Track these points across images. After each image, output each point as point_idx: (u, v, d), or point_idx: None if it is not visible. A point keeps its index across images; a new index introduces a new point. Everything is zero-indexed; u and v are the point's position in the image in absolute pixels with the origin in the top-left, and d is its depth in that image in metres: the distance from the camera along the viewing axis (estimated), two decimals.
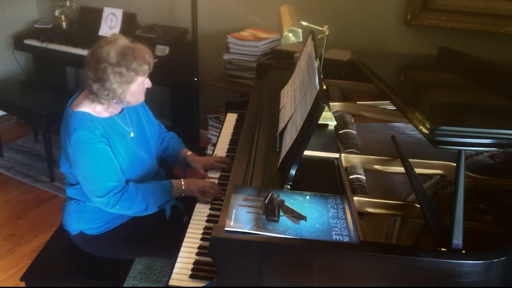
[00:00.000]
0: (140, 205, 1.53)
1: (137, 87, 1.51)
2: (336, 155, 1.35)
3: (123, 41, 1.48)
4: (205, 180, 1.61)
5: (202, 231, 1.36)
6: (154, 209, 1.58)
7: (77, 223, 1.63)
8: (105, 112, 1.55)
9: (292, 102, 1.47)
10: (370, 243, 0.99)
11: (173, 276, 1.19)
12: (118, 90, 1.46)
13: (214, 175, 1.67)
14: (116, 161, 1.53)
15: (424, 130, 1.03)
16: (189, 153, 1.81)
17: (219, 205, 1.47)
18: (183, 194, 1.61)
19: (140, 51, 1.47)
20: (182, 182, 1.61)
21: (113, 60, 1.42)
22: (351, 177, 1.28)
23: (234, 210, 1.04)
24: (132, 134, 1.63)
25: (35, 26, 3.56)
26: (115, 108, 1.58)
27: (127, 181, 1.55)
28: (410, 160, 1.27)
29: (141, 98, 1.57)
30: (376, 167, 1.36)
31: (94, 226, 1.62)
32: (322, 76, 1.27)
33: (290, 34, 1.47)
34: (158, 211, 1.70)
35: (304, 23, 1.51)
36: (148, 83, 1.55)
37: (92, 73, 1.45)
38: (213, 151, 1.84)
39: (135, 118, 1.68)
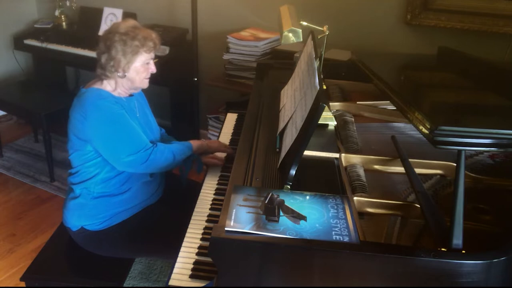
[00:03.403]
0: (168, 158, 1.62)
1: (140, 64, 1.59)
2: (336, 155, 1.35)
3: (136, 22, 1.62)
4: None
5: (202, 231, 1.36)
6: (179, 162, 1.67)
7: (78, 219, 1.63)
8: (114, 93, 1.62)
9: (292, 102, 1.47)
10: (370, 243, 0.99)
11: (173, 276, 1.19)
12: (123, 60, 1.55)
13: (214, 175, 1.67)
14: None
15: (424, 130, 1.03)
16: None
17: (219, 205, 1.48)
18: (205, 151, 1.74)
19: (147, 30, 1.61)
20: (204, 141, 1.76)
21: (122, 30, 1.55)
22: (351, 176, 1.28)
23: (234, 210, 1.04)
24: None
25: (35, 26, 3.56)
26: (123, 91, 1.64)
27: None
28: (410, 160, 1.27)
29: (145, 81, 1.64)
30: (376, 167, 1.36)
31: (96, 222, 1.62)
32: (322, 76, 1.27)
33: (290, 34, 1.47)
34: (158, 208, 1.70)
35: (304, 23, 1.51)
36: (153, 68, 1.64)
37: (102, 44, 1.57)
38: None
39: (140, 107, 1.74)
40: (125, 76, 1.58)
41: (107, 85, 1.61)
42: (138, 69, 1.59)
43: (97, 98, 1.55)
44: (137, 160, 1.56)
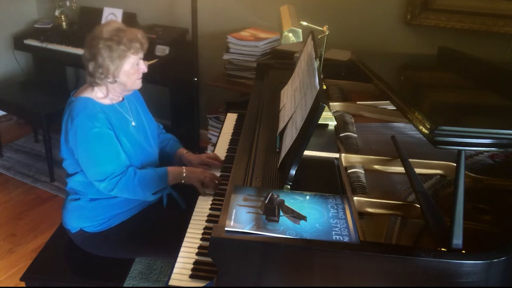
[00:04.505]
0: (136, 190, 1.57)
1: (130, 67, 1.54)
2: (336, 155, 1.34)
3: (119, 23, 1.56)
4: (206, 171, 1.63)
5: (202, 231, 1.36)
6: (149, 195, 1.60)
7: (77, 221, 1.63)
8: (106, 99, 1.59)
9: (292, 102, 1.47)
10: (370, 243, 0.99)
11: (173, 276, 1.19)
12: (111, 66, 1.50)
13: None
14: (118, 145, 1.56)
15: (424, 130, 1.03)
16: (185, 152, 1.82)
17: (219, 205, 1.48)
18: (182, 181, 1.63)
19: (132, 31, 1.54)
20: (184, 169, 1.63)
21: (106, 35, 1.49)
22: (351, 176, 1.28)
23: (234, 210, 1.04)
24: (133, 123, 1.66)
25: (35, 26, 3.55)
26: (115, 95, 1.61)
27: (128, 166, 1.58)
28: (410, 160, 1.27)
29: (137, 82, 1.60)
30: (376, 167, 1.36)
31: (94, 224, 1.62)
32: (322, 76, 1.27)
33: (290, 34, 1.47)
34: (158, 209, 1.70)
35: (304, 23, 1.51)
36: (143, 68, 1.59)
37: (87, 51, 1.52)
38: (213, 151, 1.84)
39: (134, 109, 1.71)
40: (115, 81, 1.54)
41: (98, 92, 1.58)
42: (128, 72, 1.54)
43: (81, 109, 1.51)
44: (103, 188, 1.53)
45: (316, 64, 1.37)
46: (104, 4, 3.27)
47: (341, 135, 1.49)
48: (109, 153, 1.53)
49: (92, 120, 1.50)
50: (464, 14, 2.26)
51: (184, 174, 1.62)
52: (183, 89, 3.15)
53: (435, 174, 1.34)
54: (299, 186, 1.17)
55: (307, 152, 1.32)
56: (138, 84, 1.61)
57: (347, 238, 0.97)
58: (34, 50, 3.44)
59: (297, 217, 1.03)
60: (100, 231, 1.63)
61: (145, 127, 1.73)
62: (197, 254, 1.26)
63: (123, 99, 1.66)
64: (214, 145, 1.90)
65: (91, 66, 1.52)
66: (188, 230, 1.36)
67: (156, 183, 1.60)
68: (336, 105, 1.72)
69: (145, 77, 1.65)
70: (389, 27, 2.49)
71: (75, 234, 1.64)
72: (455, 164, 0.98)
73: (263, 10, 2.85)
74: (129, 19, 3.20)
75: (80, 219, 1.63)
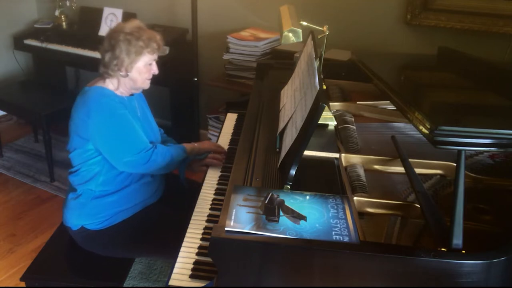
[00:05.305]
0: (166, 159, 1.64)
1: (143, 65, 1.60)
2: (336, 155, 1.35)
3: (141, 23, 1.64)
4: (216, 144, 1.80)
5: (202, 231, 1.36)
6: (176, 165, 1.70)
7: (78, 218, 1.63)
8: (117, 92, 1.64)
9: (292, 102, 1.47)
10: (370, 243, 0.99)
11: (173, 276, 1.19)
12: (126, 59, 1.56)
13: (214, 175, 1.67)
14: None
15: (424, 130, 1.03)
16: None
17: (219, 205, 1.48)
18: (198, 152, 1.76)
19: (152, 32, 1.62)
20: (195, 144, 1.78)
21: (127, 30, 1.57)
22: (351, 176, 1.28)
23: (234, 210, 1.04)
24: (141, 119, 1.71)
25: (35, 26, 3.56)
26: (125, 90, 1.66)
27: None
28: (410, 160, 1.27)
29: (146, 82, 1.66)
30: (376, 167, 1.36)
31: (96, 221, 1.63)
32: (322, 76, 1.27)
33: (290, 34, 1.47)
34: (158, 209, 1.71)
35: (304, 23, 1.51)
36: (155, 69, 1.65)
37: (107, 42, 1.58)
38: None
39: (140, 107, 1.75)
40: (127, 75, 1.59)
41: (110, 84, 1.63)
42: (141, 69, 1.60)
43: (100, 97, 1.57)
44: (138, 161, 1.57)
45: (316, 64, 1.37)
46: (104, 4, 3.27)
47: (341, 135, 1.49)
48: (136, 131, 1.60)
49: (112, 103, 1.56)
50: (464, 14, 2.26)
51: (196, 145, 1.77)
52: (183, 89, 3.15)
53: (435, 174, 1.34)
54: (299, 186, 1.17)
55: (307, 152, 1.32)
56: (147, 84, 1.66)
57: (347, 238, 0.97)
58: (34, 50, 3.43)
59: (297, 217, 1.03)
60: (101, 229, 1.63)
61: (151, 124, 1.78)
62: (197, 254, 1.26)
63: (132, 94, 1.71)
64: None
65: (107, 57, 1.57)
66: (188, 230, 1.36)
67: (180, 153, 1.70)
68: (336, 105, 1.72)
69: None
70: (389, 27, 2.49)
71: (76, 232, 1.65)
72: (455, 164, 0.98)
73: (263, 10, 2.85)
74: (129, 19, 3.20)
75: (82, 216, 1.63)
